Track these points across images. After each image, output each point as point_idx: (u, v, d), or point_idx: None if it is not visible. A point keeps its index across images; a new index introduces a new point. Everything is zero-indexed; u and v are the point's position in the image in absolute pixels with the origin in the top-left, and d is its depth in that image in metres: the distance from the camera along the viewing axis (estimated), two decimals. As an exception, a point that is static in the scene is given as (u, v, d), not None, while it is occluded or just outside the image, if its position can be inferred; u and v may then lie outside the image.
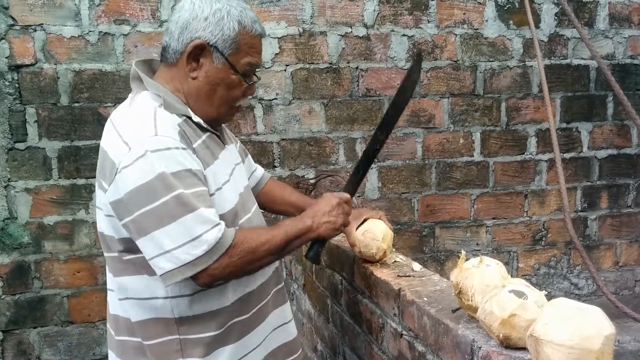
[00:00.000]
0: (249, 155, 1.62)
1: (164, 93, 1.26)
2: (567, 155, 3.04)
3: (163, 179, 1.15)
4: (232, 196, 1.33)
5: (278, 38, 2.61)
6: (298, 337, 1.53)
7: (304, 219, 1.35)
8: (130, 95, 1.32)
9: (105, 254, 1.33)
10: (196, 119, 1.29)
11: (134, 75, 1.30)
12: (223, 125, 1.45)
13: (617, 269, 3.21)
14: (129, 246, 1.24)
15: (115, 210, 1.21)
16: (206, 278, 1.20)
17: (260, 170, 1.67)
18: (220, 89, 1.30)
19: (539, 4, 2.92)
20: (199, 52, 1.26)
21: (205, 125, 1.32)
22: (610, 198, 3.15)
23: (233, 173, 1.38)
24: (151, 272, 1.23)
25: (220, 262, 1.19)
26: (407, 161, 2.83)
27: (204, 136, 1.31)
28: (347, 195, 1.43)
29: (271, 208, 1.63)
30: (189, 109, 1.29)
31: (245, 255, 1.22)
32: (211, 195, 1.25)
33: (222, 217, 1.25)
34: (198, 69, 1.28)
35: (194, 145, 1.25)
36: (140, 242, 1.19)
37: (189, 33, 1.25)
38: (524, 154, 3.00)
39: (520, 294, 0.98)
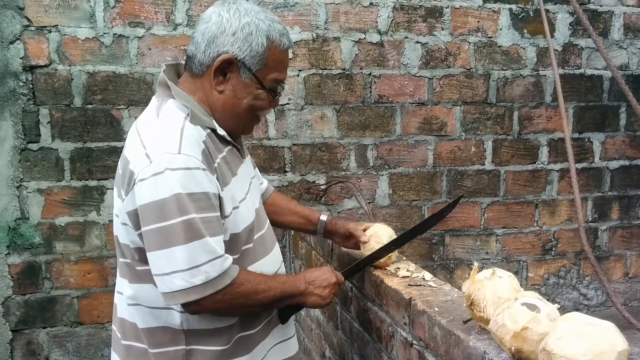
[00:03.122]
0: (257, 167, 1.62)
1: (191, 104, 1.25)
2: (579, 166, 3.02)
3: (178, 199, 1.14)
4: (248, 213, 1.33)
5: (291, 43, 2.62)
6: (298, 353, 1.53)
7: (300, 281, 1.36)
8: (154, 99, 1.31)
9: (120, 259, 1.32)
10: (221, 132, 1.28)
11: (161, 81, 1.29)
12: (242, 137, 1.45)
13: (626, 281, 3.18)
14: (142, 256, 1.24)
15: (131, 220, 1.21)
16: (195, 307, 1.19)
17: (265, 182, 1.68)
18: (246, 102, 1.29)
19: (554, 13, 2.91)
20: (226, 66, 1.25)
21: (228, 139, 1.32)
22: (621, 209, 3.13)
23: (249, 189, 1.38)
24: None
25: (214, 296, 1.18)
26: (418, 168, 2.83)
27: (225, 150, 1.30)
28: (342, 279, 1.46)
29: (276, 219, 1.61)
30: (214, 121, 1.28)
31: (239, 298, 1.22)
32: (226, 216, 1.24)
33: (237, 235, 1.26)
34: (225, 83, 1.27)
35: (216, 163, 1.24)
36: (147, 256, 1.20)
37: (216, 47, 1.24)
38: (535, 163, 2.98)
39: (533, 307, 0.98)
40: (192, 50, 1.28)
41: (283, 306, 1.38)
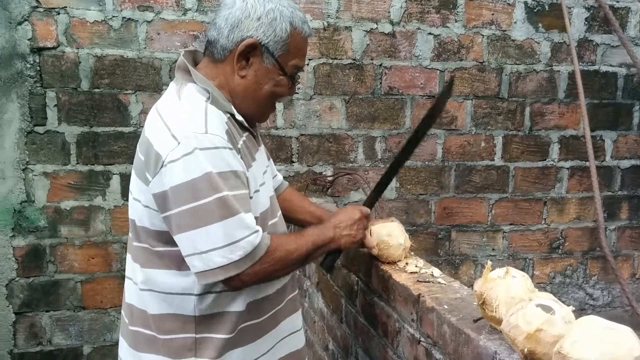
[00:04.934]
0: (271, 159, 1.62)
1: (211, 88, 1.26)
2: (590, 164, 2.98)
3: (209, 178, 1.15)
4: (265, 199, 1.34)
5: (302, 31, 2.59)
6: (305, 346, 1.53)
7: (327, 229, 1.38)
8: (172, 84, 1.31)
9: (134, 243, 1.32)
10: (239, 117, 1.29)
11: (180, 66, 1.30)
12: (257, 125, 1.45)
13: (633, 281, 3.16)
14: (163, 239, 1.24)
15: (157, 203, 1.21)
16: (237, 282, 1.21)
17: (280, 176, 1.68)
18: (266, 87, 1.30)
19: (570, 8, 2.86)
20: (249, 50, 1.26)
21: (246, 125, 1.32)
22: (630, 209, 3.10)
23: (265, 175, 1.39)
24: (180, 267, 1.23)
25: (253, 268, 1.20)
26: (427, 162, 2.80)
27: (244, 136, 1.31)
28: (367, 210, 1.48)
29: (288, 216, 1.61)
30: (233, 107, 1.29)
31: (276, 263, 1.24)
32: (250, 197, 1.24)
33: (255, 219, 1.25)
34: (247, 68, 1.28)
35: (238, 145, 1.25)
36: (177, 238, 1.19)
37: (240, 32, 1.25)
38: (545, 160, 2.95)
39: (547, 309, 0.96)
40: (214, 36, 1.28)
41: (318, 257, 1.40)
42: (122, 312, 1.39)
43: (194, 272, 1.19)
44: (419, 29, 2.71)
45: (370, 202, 1.55)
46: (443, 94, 1.54)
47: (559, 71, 2.89)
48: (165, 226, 1.21)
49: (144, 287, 1.29)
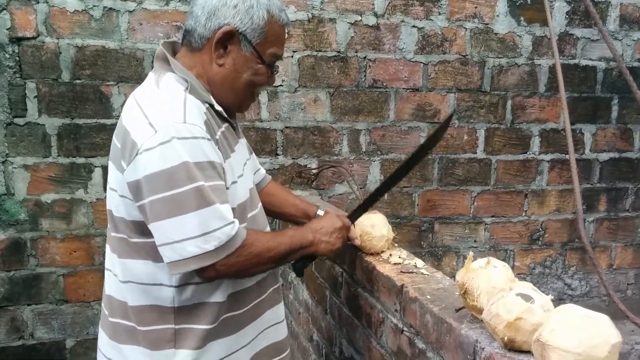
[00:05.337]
0: (254, 153, 1.61)
1: (190, 78, 1.25)
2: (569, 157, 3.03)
3: (186, 168, 1.14)
4: (244, 191, 1.33)
5: (286, 23, 2.58)
6: (287, 337, 1.54)
7: (307, 232, 1.37)
8: (151, 74, 1.30)
9: (112, 234, 1.31)
10: (218, 107, 1.28)
11: (159, 55, 1.29)
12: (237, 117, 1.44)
13: (610, 272, 3.23)
14: (139, 229, 1.23)
15: (131, 192, 1.19)
16: (211, 272, 1.20)
17: (263, 170, 1.67)
18: (245, 76, 1.29)
19: (551, 2, 2.89)
20: (227, 38, 1.25)
21: (225, 115, 1.31)
22: (608, 201, 3.16)
23: (245, 167, 1.38)
24: (157, 258, 1.22)
25: (228, 259, 1.19)
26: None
27: (223, 127, 1.30)
28: (349, 222, 1.47)
29: (272, 210, 1.61)
30: (212, 97, 1.28)
31: (252, 258, 1.23)
32: (227, 188, 1.24)
33: (233, 211, 1.24)
34: (225, 56, 1.27)
35: (216, 136, 1.25)
36: (151, 227, 1.18)
37: (217, 19, 1.24)
38: (526, 153, 2.99)
39: (527, 298, 0.97)
40: (192, 25, 1.27)
41: (295, 259, 1.39)
42: (102, 304, 1.38)
43: (166, 262, 1.18)
44: (402, 21, 2.72)
45: (354, 215, 1.54)
46: (441, 127, 1.56)
47: (540, 65, 2.93)
48: (141, 216, 1.20)
49: (123, 278, 1.28)
